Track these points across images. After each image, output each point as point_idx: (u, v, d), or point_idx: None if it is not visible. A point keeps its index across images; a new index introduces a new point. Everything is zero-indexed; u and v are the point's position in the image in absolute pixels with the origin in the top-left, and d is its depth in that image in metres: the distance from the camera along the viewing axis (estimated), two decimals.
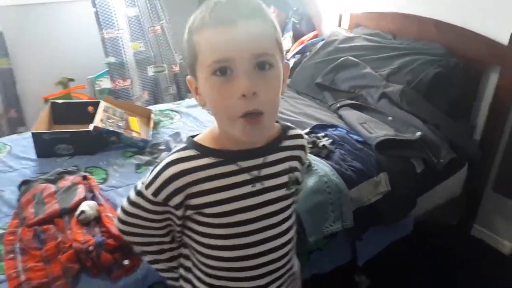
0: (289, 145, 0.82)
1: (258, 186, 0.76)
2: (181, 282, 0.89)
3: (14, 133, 2.32)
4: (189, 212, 0.76)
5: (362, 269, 1.71)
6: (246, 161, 0.76)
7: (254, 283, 0.81)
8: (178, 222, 0.79)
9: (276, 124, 0.82)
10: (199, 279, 0.84)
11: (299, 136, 0.86)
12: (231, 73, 0.66)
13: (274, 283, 0.84)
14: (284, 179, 0.80)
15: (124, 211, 0.81)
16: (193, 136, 0.78)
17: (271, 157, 0.78)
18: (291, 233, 0.84)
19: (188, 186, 0.73)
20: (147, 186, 0.75)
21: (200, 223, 0.77)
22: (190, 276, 0.86)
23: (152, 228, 0.81)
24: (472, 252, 2.03)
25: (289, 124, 0.86)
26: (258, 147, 0.77)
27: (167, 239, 0.84)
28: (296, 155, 0.83)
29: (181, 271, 0.88)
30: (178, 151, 0.76)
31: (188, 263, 0.86)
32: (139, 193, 0.77)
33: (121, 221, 0.83)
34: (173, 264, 0.89)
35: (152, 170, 0.77)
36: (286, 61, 0.75)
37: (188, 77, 0.75)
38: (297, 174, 0.83)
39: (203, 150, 0.75)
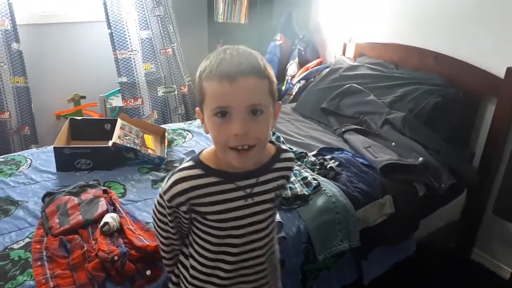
0: (280, 167, 0.98)
1: (249, 201, 0.94)
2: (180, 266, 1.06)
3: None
4: (194, 215, 0.95)
5: None
6: (242, 181, 0.93)
7: (237, 272, 0.99)
8: (186, 221, 0.97)
9: (271, 146, 0.99)
10: (191, 266, 1.01)
11: (290, 160, 1.02)
12: (229, 116, 0.83)
13: (256, 274, 1.02)
14: (271, 195, 0.97)
15: (155, 204, 1.00)
16: (200, 152, 0.95)
17: (263, 177, 0.95)
18: (272, 234, 1.03)
19: (193, 199, 0.91)
20: (164, 193, 0.93)
21: (203, 224, 0.95)
22: (186, 260, 1.03)
23: (167, 222, 0.98)
24: (472, 275, 2.09)
25: (284, 147, 1.03)
26: (253, 169, 0.93)
27: (176, 236, 1.02)
28: (285, 175, 1.01)
29: (180, 257, 1.05)
30: (186, 168, 0.92)
31: (186, 251, 1.03)
32: (160, 196, 0.96)
33: (154, 213, 1.01)
34: (173, 261, 1.07)
35: (167, 180, 0.93)
36: (279, 102, 0.93)
37: (197, 109, 0.93)
38: (282, 190, 1.02)
39: (207, 170, 0.91)
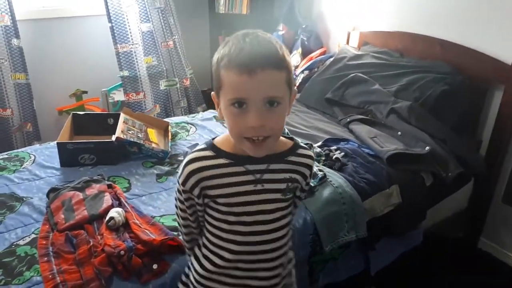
0: (294, 161, 0.96)
1: (258, 186, 0.93)
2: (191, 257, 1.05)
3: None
4: (206, 200, 0.94)
5: (373, 279, 1.76)
6: (252, 165, 0.92)
7: (246, 265, 0.97)
8: (200, 208, 0.96)
9: (289, 140, 0.98)
10: (203, 255, 0.99)
11: (309, 157, 0.99)
12: (246, 107, 0.82)
13: (268, 271, 0.98)
14: (282, 186, 0.95)
15: (175, 191, 0.99)
16: (213, 138, 0.95)
17: (274, 166, 0.94)
18: (284, 231, 0.98)
19: (203, 180, 0.91)
20: (179, 177, 0.94)
21: (214, 209, 0.94)
22: (198, 251, 1.02)
23: (185, 209, 0.98)
24: (479, 264, 2.08)
25: (303, 145, 1.00)
26: (264, 156, 0.91)
27: (195, 224, 1.01)
28: (300, 171, 0.97)
29: (196, 248, 1.03)
30: (199, 150, 0.93)
31: (203, 239, 1.01)
32: (178, 182, 0.96)
33: (175, 198, 1.00)
34: (192, 245, 1.05)
35: (181, 164, 0.94)
36: (295, 89, 0.91)
37: (213, 93, 0.91)
38: (296, 185, 0.98)
39: (218, 152, 0.92)
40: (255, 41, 0.83)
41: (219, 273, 0.97)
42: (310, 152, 1.00)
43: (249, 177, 0.92)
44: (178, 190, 0.96)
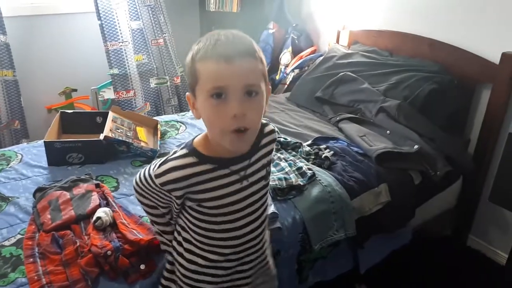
0: (265, 142, 1.00)
1: (244, 183, 0.95)
2: (174, 254, 1.06)
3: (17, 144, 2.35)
4: (189, 203, 0.95)
5: (363, 278, 1.77)
6: (236, 165, 0.93)
7: (237, 255, 1.01)
8: (177, 206, 0.98)
9: None
10: (189, 251, 1.01)
11: (272, 132, 1.03)
12: (225, 97, 0.83)
13: (254, 254, 1.04)
14: (262, 173, 0.98)
15: (137, 183, 1.00)
16: (192, 140, 0.94)
17: (254, 157, 0.97)
18: (265, 213, 1.04)
19: (188, 187, 0.91)
20: (156, 177, 0.93)
21: (198, 212, 0.96)
22: (181, 248, 1.03)
23: (157, 198, 1.00)
24: (468, 262, 2.09)
25: (262, 120, 0.99)
26: (245, 152, 0.94)
27: (166, 210, 1.03)
28: (271, 149, 1.02)
29: (174, 244, 1.05)
30: (180, 157, 0.92)
31: (179, 237, 1.04)
32: (150, 176, 0.95)
33: (136, 185, 1.01)
34: (168, 229, 1.08)
35: (161, 164, 0.93)
36: (269, 86, 0.93)
37: (188, 94, 0.92)
38: (270, 166, 1.03)
39: (201, 158, 0.91)
40: (229, 34, 0.85)
41: (211, 266, 1.00)
42: (271, 126, 1.03)
43: (235, 177, 0.93)
44: (148, 183, 0.95)
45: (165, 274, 1.09)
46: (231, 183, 0.93)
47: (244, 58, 0.82)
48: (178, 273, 1.04)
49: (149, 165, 0.99)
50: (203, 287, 1.02)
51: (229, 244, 0.98)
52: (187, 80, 0.90)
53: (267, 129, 1.01)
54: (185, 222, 1.00)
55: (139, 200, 1.05)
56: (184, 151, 0.92)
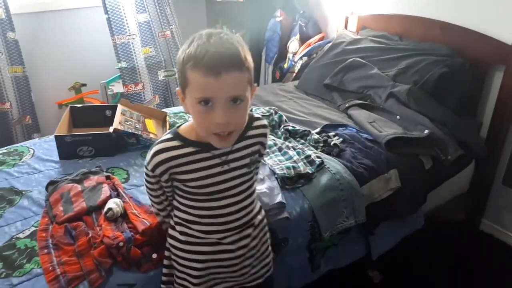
0: (253, 134, 1.06)
1: (225, 167, 1.02)
2: (169, 239, 1.14)
3: (29, 139, 2.38)
4: (175, 183, 1.04)
5: (375, 264, 1.77)
6: (218, 150, 1.00)
7: (220, 235, 1.07)
8: (168, 189, 1.08)
9: None
10: (180, 232, 1.10)
11: (263, 126, 1.08)
12: (212, 105, 0.90)
13: (238, 234, 1.09)
14: (246, 161, 1.05)
15: (145, 178, 1.10)
16: (178, 127, 1.03)
17: (237, 145, 1.03)
18: (251, 198, 1.10)
19: (172, 168, 1.00)
20: (147, 164, 1.03)
21: (184, 191, 1.05)
22: (173, 231, 1.12)
23: (155, 189, 1.10)
24: (481, 246, 2.08)
25: (256, 115, 1.09)
26: None
27: (163, 197, 1.13)
28: (259, 141, 1.08)
29: (169, 229, 1.14)
30: (165, 140, 1.01)
31: (171, 221, 1.14)
32: (145, 167, 1.06)
33: (144, 179, 1.10)
34: (164, 213, 1.18)
35: (149, 151, 1.02)
36: (254, 85, 0.99)
37: (177, 89, 0.99)
38: (257, 156, 1.08)
39: (184, 141, 1.00)
40: (219, 42, 0.89)
41: (197, 243, 1.07)
42: (263, 121, 1.09)
43: (216, 161, 1.01)
44: (147, 174, 1.06)
45: (165, 261, 1.16)
46: (212, 166, 1.01)
47: (232, 72, 0.87)
48: (174, 257, 1.12)
49: None
50: (193, 266, 1.08)
51: (215, 221, 1.05)
52: (178, 79, 0.96)
53: (258, 123, 1.07)
54: (177, 202, 1.09)
55: (148, 194, 1.15)
56: (169, 135, 1.01)
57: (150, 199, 1.16)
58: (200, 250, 1.08)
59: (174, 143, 1.00)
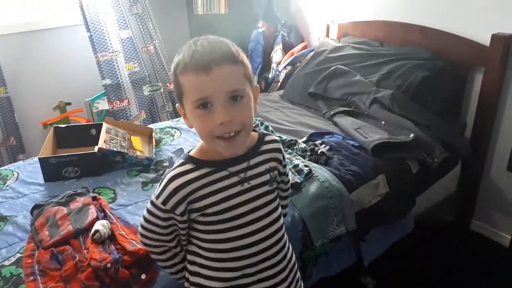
0: (267, 149, 0.98)
1: (245, 185, 0.93)
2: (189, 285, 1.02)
3: (15, 161, 2.36)
4: (193, 215, 0.93)
5: (368, 270, 1.76)
6: (234, 166, 0.92)
7: (254, 269, 0.96)
8: (182, 226, 0.95)
9: (254, 133, 0.99)
10: (206, 276, 0.97)
11: (275, 141, 1.02)
12: (211, 107, 0.83)
13: (273, 268, 0.98)
14: (266, 177, 0.96)
15: (144, 218, 0.97)
16: (188, 152, 0.95)
17: (253, 161, 0.95)
18: (279, 223, 1.00)
19: (190, 194, 0.90)
20: (157, 197, 0.92)
21: (203, 223, 0.93)
22: (197, 278, 0.99)
23: (163, 234, 0.97)
24: (472, 246, 2.09)
25: (265, 131, 1.05)
26: (242, 154, 0.93)
27: (173, 244, 1.00)
28: (274, 157, 0.99)
29: (188, 275, 1.01)
30: (177, 166, 0.92)
31: (194, 267, 0.99)
32: (152, 203, 0.94)
33: (142, 227, 0.98)
34: (180, 266, 1.04)
35: (160, 184, 0.93)
36: (255, 85, 0.92)
37: (177, 105, 0.93)
38: (276, 173, 1.00)
39: (198, 163, 0.91)
40: (205, 43, 0.85)
41: (227, 287, 0.96)
42: (274, 136, 1.03)
43: (234, 179, 0.92)
44: (154, 214, 0.93)
45: None
46: (231, 185, 0.92)
47: (223, 65, 0.82)
48: None
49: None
50: None
51: (240, 254, 0.94)
52: (175, 93, 0.91)
53: (269, 138, 1.01)
54: (194, 245, 0.97)
55: (147, 248, 1.02)
56: (180, 161, 0.93)
57: (153, 255, 1.02)
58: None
59: (187, 166, 0.90)
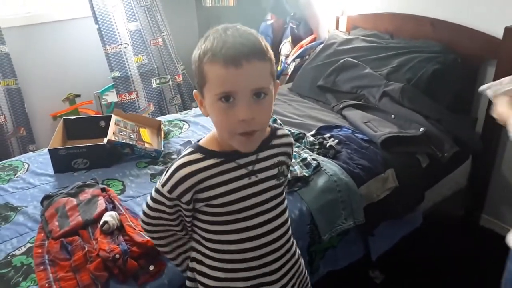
0: (277, 143, 0.97)
1: (253, 178, 0.92)
2: (195, 273, 1.01)
3: (25, 152, 2.38)
4: (198, 205, 0.91)
5: (376, 265, 1.76)
6: (242, 158, 0.91)
7: (259, 262, 0.95)
8: (187, 213, 0.93)
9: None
10: (209, 266, 0.97)
11: (286, 135, 1.00)
12: (233, 101, 0.81)
13: (277, 261, 0.97)
14: (274, 171, 0.95)
15: (148, 206, 0.96)
16: (198, 141, 0.94)
17: (262, 154, 0.94)
18: (284, 217, 0.99)
19: (196, 184, 0.88)
20: (163, 185, 0.90)
21: (208, 214, 0.92)
22: (201, 266, 0.98)
23: (169, 220, 0.95)
24: (482, 241, 2.07)
25: (277, 125, 1.01)
26: None
27: (179, 228, 0.99)
28: (284, 151, 0.98)
29: (193, 264, 1.01)
30: (186, 155, 0.91)
31: (198, 255, 0.99)
32: (157, 190, 0.92)
33: (146, 215, 0.97)
34: (181, 249, 1.04)
35: (167, 171, 0.91)
36: (277, 81, 0.90)
37: (195, 91, 0.90)
38: (284, 167, 0.98)
39: (207, 153, 0.90)
40: (236, 34, 0.82)
41: (231, 278, 0.95)
42: (285, 131, 1.01)
43: (242, 171, 0.91)
44: (158, 200, 0.92)
45: (188, 284, 1.04)
46: (238, 178, 0.90)
47: (253, 62, 0.80)
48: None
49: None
50: None
51: (245, 247, 0.93)
52: (195, 78, 0.87)
53: (281, 132, 0.99)
54: (198, 234, 0.97)
55: (152, 238, 1.03)
56: (189, 149, 0.92)
57: (154, 241, 1.02)
58: (235, 286, 0.96)
59: (196, 156, 0.89)
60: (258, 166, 0.93)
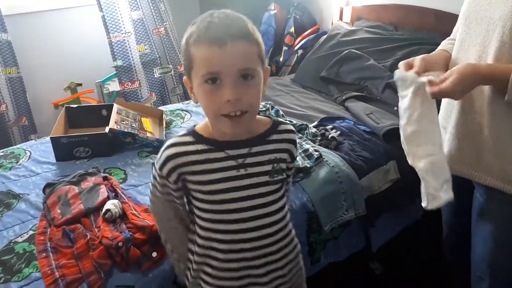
0: (277, 139, 0.94)
1: (242, 171, 0.90)
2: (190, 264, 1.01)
3: (26, 141, 2.38)
4: (192, 187, 0.91)
5: (376, 256, 1.76)
6: (233, 150, 0.90)
7: (251, 254, 0.93)
8: (175, 194, 0.94)
9: (267, 119, 0.97)
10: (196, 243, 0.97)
11: (290, 131, 0.97)
12: (220, 82, 0.81)
13: (270, 255, 0.95)
14: (267, 167, 0.92)
15: (151, 183, 0.98)
16: (194, 125, 0.94)
17: (257, 148, 0.92)
18: (280, 215, 0.95)
19: (181, 166, 0.89)
20: (156, 162, 0.93)
21: (199, 200, 0.92)
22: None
23: (173, 191, 0.95)
24: None
25: (282, 120, 0.98)
26: (244, 139, 0.91)
27: (182, 201, 0.98)
28: (285, 148, 0.95)
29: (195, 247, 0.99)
30: (179, 135, 0.93)
31: (193, 247, 0.98)
32: (153, 165, 0.96)
33: (152, 193, 1.00)
34: (184, 248, 1.02)
35: (161, 149, 0.93)
36: (266, 66, 0.89)
37: (185, 78, 0.90)
38: (283, 165, 0.95)
39: (197, 138, 0.90)
40: (222, 15, 0.82)
41: (225, 268, 0.94)
42: (290, 126, 0.98)
43: (231, 163, 0.90)
44: (155, 177, 0.95)
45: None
46: (226, 168, 0.89)
47: (238, 42, 0.79)
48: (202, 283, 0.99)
49: None
50: None
51: (238, 237, 0.92)
52: (184, 65, 0.88)
53: (283, 127, 0.96)
54: (196, 223, 0.96)
55: (156, 220, 1.07)
56: (183, 132, 0.93)
57: (156, 217, 1.05)
58: (228, 276, 0.95)
59: (187, 138, 0.90)
60: (249, 160, 0.90)
